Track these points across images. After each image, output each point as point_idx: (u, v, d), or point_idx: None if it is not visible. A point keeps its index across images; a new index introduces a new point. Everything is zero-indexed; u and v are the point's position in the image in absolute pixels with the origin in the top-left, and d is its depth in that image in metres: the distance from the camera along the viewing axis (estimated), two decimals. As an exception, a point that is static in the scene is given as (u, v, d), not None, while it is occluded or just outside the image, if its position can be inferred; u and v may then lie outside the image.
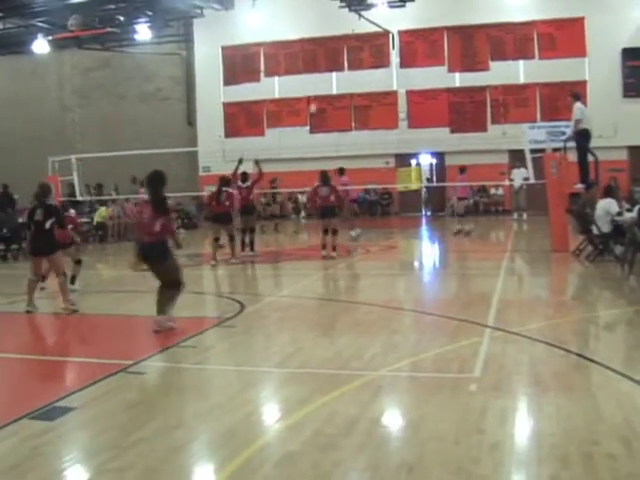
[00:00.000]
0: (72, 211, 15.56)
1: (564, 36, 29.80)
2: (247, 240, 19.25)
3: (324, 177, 18.35)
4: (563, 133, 20.90)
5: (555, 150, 19.24)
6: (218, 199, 18.33)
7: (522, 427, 6.12)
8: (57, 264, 12.47)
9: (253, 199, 20.38)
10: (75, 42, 34.99)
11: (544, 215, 19.78)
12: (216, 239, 18.09)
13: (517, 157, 24.29)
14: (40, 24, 32.40)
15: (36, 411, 6.76)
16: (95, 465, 5.54)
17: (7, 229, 21.20)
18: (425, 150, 32.94)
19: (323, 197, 18.08)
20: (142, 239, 10.33)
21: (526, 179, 21.65)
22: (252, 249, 19.20)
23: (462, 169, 24.67)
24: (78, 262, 14.84)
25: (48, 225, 12.20)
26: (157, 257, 10.18)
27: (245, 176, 19.56)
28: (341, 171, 23.60)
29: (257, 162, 19.89)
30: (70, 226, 14.73)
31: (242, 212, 19.65)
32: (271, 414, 6.84)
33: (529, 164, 19.59)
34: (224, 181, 18.53)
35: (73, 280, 14.56)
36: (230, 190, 18.40)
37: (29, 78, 38.66)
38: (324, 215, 18.10)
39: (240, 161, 19.06)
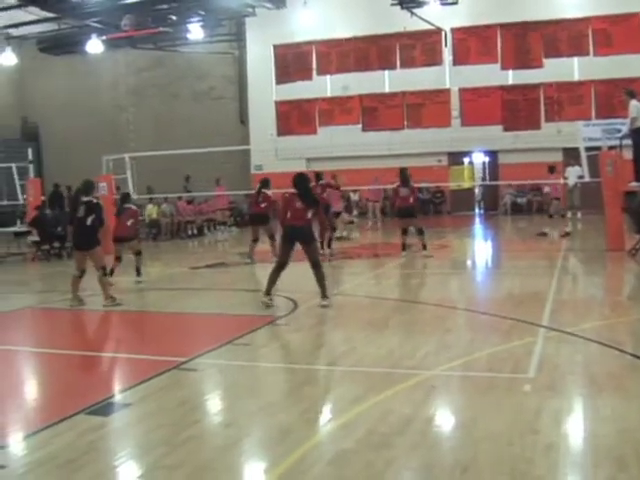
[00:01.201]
0: (132, 205, 15.77)
1: (619, 32, 29.33)
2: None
3: (404, 177, 18.00)
4: (619, 131, 20.55)
5: (611, 148, 18.98)
6: (256, 200, 18.48)
7: (577, 428, 6.06)
8: (97, 259, 12.72)
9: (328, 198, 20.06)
10: (129, 42, 35.35)
11: (599, 214, 19.54)
12: (254, 240, 18.22)
13: (572, 155, 24.00)
14: (94, 24, 32.74)
15: (92, 406, 6.86)
16: (148, 461, 5.60)
17: (61, 227, 21.48)
18: (478, 148, 32.76)
19: (403, 197, 17.78)
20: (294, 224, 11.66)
21: (581, 177, 21.39)
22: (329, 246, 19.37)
23: (552, 168, 24.36)
24: (138, 253, 15.13)
25: (89, 222, 12.53)
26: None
27: (319, 175, 19.62)
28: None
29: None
30: (131, 220, 15.01)
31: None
32: (324, 412, 6.84)
33: (584, 162, 19.36)
34: (263, 182, 18.60)
35: (138, 272, 14.93)
36: (267, 192, 18.35)
37: (84, 78, 39.16)
38: (403, 215, 17.92)
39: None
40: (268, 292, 11.91)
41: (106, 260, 13.24)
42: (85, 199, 12.77)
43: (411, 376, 7.48)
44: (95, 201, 13.03)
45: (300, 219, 11.65)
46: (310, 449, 5.68)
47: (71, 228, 13.41)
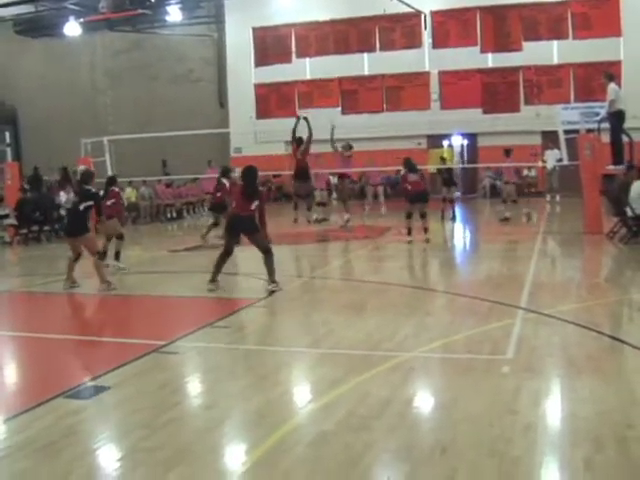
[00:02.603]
0: (116, 188, 15.71)
1: (599, 15, 29.43)
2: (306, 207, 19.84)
3: (410, 164, 18.02)
4: (597, 114, 20.61)
5: (589, 131, 19.07)
6: (215, 189, 18.86)
7: (555, 409, 6.10)
8: (89, 245, 12.77)
9: (308, 164, 20.26)
10: (106, 24, 35.10)
11: (577, 197, 19.63)
12: (214, 224, 18.63)
13: (550, 138, 24.07)
14: (71, 6, 32.52)
15: (71, 390, 6.86)
16: (128, 444, 5.59)
17: (40, 211, 21.39)
18: (457, 131, 32.78)
19: (414, 182, 17.64)
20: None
21: (559, 160, 21.44)
22: (317, 220, 19.92)
23: (507, 151, 24.35)
24: (120, 237, 15.01)
25: (82, 207, 12.67)
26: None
27: (300, 141, 19.64)
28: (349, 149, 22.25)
29: (305, 119, 20.18)
30: (111, 200, 14.94)
31: (296, 177, 20.13)
32: (304, 395, 6.86)
33: (562, 145, 19.42)
34: (223, 171, 18.72)
35: (117, 256, 14.78)
36: (225, 181, 18.34)
37: (61, 60, 38.86)
38: (417, 200, 17.55)
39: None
40: (213, 279, 11.98)
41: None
42: (85, 187, 12.96)
43: (390, 358, 7.51)
44: (94, 190, 13.15)
45: (244, 209, 11.77)
46: (290, 431, 5.69)
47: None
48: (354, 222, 21.11)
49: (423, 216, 17.62)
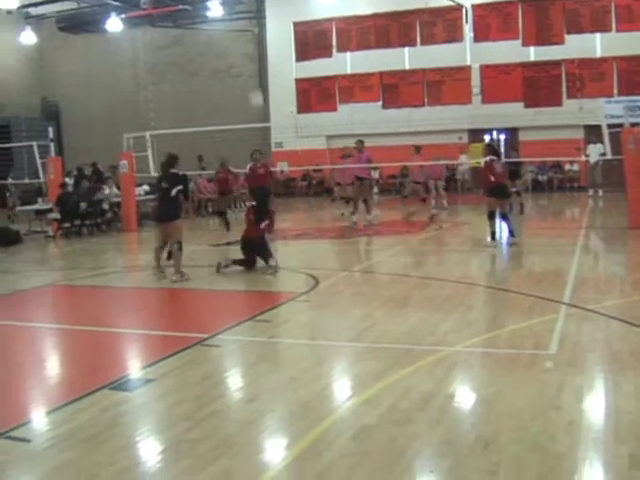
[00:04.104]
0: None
1: (643, 7, 29.04)
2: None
3: (494, 150, 16.11)
4: (641, 108, 20.42)
5: (633, 125, 18.83)
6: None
7: (599, 405, 6.05)
8: (176, 232, 12.93)
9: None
10: (148, 20, 35.38)
11: (621, 191, 19.42)
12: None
13: (593, 132, 23.85)
14: (113, 2, 32.78)
15: (115, 382, 6.93)
16: (171, 436, 5.64)
17: (86, 203, 21.61)
18: (499, 126, 32.56)
19: (499, 174, 15.38)
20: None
21: (603, 155, 21.24)
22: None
23: (417, 148, 24.08)
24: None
25: (174, 193, 12.78)
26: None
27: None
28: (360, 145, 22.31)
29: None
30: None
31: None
32: (346, 388, 6.87)
33: (606, 139, 19.22)
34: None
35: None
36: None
37: (103, 56, 39.18)
38: (500, 194, 15.36)
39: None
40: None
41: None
42: (172, 171, 13.04)
43: (432, 352, 7.50)
44: (181, 173, 13.30)
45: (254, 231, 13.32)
46: (332, 424, 5.71)
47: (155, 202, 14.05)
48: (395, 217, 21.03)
49: (506, 216, 15.67)
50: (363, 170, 21.21)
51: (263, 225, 13.28)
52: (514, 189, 22.32)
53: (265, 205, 13.55)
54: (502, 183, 15.41)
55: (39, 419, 6.19)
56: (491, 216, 15.39)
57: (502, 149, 30.88)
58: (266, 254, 13.12)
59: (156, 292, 12.32)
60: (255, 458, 5.26)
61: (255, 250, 13.19)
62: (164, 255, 13.26)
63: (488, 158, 15.81)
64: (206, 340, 8.36)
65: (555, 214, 23.25)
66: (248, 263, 13.25)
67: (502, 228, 15.64)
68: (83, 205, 21.47)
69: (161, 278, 12.87)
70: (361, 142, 21.78)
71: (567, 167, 31.96)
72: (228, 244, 17.69)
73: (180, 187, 12.83)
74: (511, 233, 15.55)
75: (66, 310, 11.49)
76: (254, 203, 13.62)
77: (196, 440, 5.46)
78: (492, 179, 15.33)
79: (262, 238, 13.26)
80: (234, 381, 7.28)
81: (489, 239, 15.52)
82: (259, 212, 13.40)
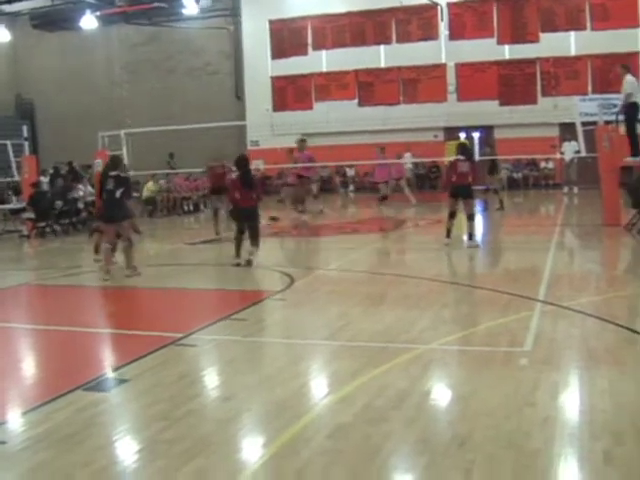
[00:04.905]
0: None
1: (616, 6, 29.13)
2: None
3: (465, 149, 15.88)
4: (615, 106, 20.50)
5: (607, 123, 18.94)
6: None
7: (574, 402, 6.08)
8: (125, 230, 13.31)
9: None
10: (123, 17, 35.24)
11: (595, 189, 19.54)
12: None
13: (568, 130, 23.98)
14: (88, 0, 32.59)
15: (90, 382, 6.89)
16: (147, 436, 5.62)
17: (57, 205, 21.50)
18: (474, 123, 32.64)
19: (461, 174, 15.24)
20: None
21: (577, 152, 21.36)
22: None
23: (382, 148, 24.32)
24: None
25: (118, 194, 13.14)
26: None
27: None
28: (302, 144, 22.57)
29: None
30: None
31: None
32: (322, 387, 6.86)
33: (580, 137, 19.33)
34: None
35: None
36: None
37: (78, 54, 38.95)
38: (458, 194, 15.29)
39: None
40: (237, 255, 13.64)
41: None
42: (113, 173, 13.39)
43: (408, 350, 7.51)
44: (123, 175, 13.72)
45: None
46: (308, 423, 5.70)
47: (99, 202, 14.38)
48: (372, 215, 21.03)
49: (470, 218, 15.43)
50: (305, 169, 21.34)
51: (255, 195, 13.89)
52: (491, 186, 22.45)
53: (249, 173, 14.09)
54: (464, 184, 15.23)
55: (14, 420, 6.14)
56: (451, 215, 15.39)
57: (477, 147, 31.04)
58: (256, 230, 13.75)
59: (131, 291, 12.26)
60: (232, 457, 5.25)
61: (248, 220, 13.75)
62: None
63: (453, 158, 15.97)
64: (181, 339, 8.33)
65: (530, 211, 23.37)
66: (237, 232, 13.89)
67: (473, 228, 15.58)
68: (59, 204, 21.37)
69: (105, 279, 12.86)
70: (303, 141, 22.14)
71: (542, 165, 32.12)
72: (204, 242, 17.67)
73: (122, 189, 13.21)
74: (470, 236, 15.41)
75: (40, 310, 11.41)
76: (238, 173, 14.01)
77: (172, 440, 5.44)
78: (453, 179, 15.36)
79: (254, 210, 13.88)
80: (210, 380, 7.26)
81: (445, 237, 15.43)
82: (246, 180, 13.81)
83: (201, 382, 7.14)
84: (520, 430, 5.35)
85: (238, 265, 13.44)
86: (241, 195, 13.64)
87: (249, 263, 13.41)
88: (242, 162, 14.03)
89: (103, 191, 13.44)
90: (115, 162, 13.90)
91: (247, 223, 13.71)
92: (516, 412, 5.71)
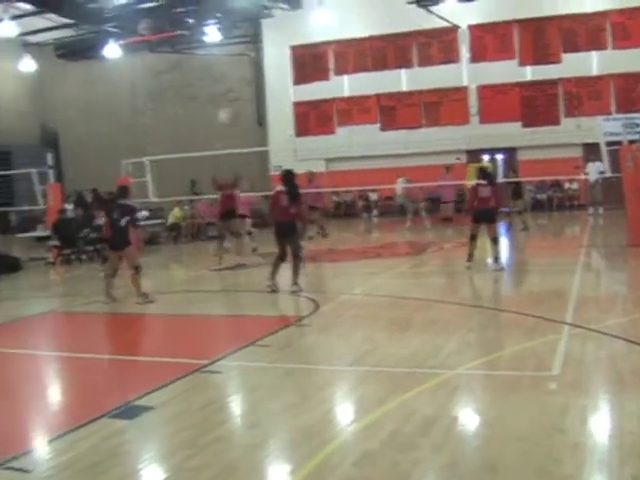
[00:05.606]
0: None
1: (636, 25, 29.13)
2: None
3: (486, 174, 15.89)
4: (638, 125, 20.42)
5: (631, 142, 18.83)
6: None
7: (603, 426, 6.00)
8: (130, 258, 13.50)
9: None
10: (146, 46, 35.47)
11: (621, 209, 19.41)
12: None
13: (592, 150, 23.87)
14: (111, 29, 32.89)
15: (115, 410, 6.87)
16: (173, 464, 5.60)
17: (89, 229, 21.69)
18: (497, 146, 32.55)
19: (482, 199, 15.24)
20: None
21: (602, 173, 21.25)
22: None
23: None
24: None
25: (123, 223, 13.34)
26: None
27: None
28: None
29: None
30: None
31: None
32: (348, 413, 6.82)
33: (604, 157, 19.23)
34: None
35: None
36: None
37: (101, 83, 39.25)
38: (480, 219, 15.27)
39: None
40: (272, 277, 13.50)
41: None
42: (120, 202, 13.66)
43: (434, 376, 7.45)
44: (130, 204, 13.95)
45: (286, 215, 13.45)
46: (334, 450, 5.66)
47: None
48: (396, 239, 20.98)
49: (494, 242, 15.35)
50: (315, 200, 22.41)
51: (294, 210, 13.51)
52: (515, 209, 22.38)
53: (295, 188, 13.68)
54: (486, 208, 15.22)
55: (40, 448, 6.15)
56: (472, 238, 15.39)
57: (500, 169, 30.94)
58: (297, 244, 13.69)
59: (155, 318, 12.28)
60: (258, 485, 5.22)
61: (287, 237, 13.53)
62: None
63: (474, 182, 16.21)
64: (207, 366, 8.31)
65: (555, 233, 23.23)
66: (280, 255, 13.61)
67: (498, 251, 15.48)
68: (86, 231, 21.54)
69: (109, 303, 13.31)
70: (312, 174, 23.46)
71: (566, 186, 31.95)
72: (228, 268, 17.67)
73: (128, 218, 13.44)
74: (495, 259, 15.31)
75: (66, 337, 11.46)
76: (283, 188, 13.61)
77: (198, 467, 5.42)
78: (475, 203, 15.42)
79: (293, 224, 13.61)
80: (235, 407, 7.23)
81: (466, 260, 15.40)
82: (291, 196, 13.53)
83: (227, 409, 7.11)
84: (550, 456, 5.28)
85: (272, 291, 13.37)
86: (283, 209, 13.44)
87: (293, 293, 13.26)
88: (289, 176, 13.72)
89: (109, 219, 13.64)
90: (123, 191, 14.04)
91: (287, 240, 13.47)
92: (546, 437, 5.63)
